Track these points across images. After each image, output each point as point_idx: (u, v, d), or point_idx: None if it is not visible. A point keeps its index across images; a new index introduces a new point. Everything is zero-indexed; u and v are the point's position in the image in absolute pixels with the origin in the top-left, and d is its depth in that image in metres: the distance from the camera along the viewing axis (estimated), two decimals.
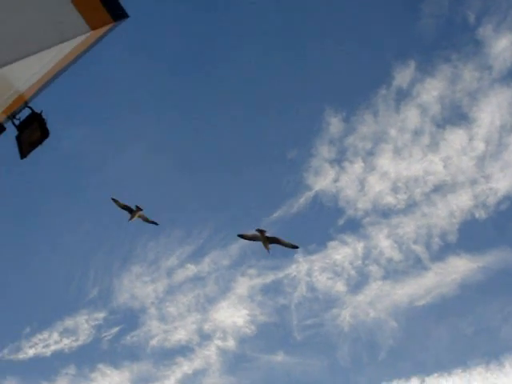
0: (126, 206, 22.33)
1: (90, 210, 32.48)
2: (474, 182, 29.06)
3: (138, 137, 32.92)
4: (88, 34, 6.34)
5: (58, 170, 32.25)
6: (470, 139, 28.77)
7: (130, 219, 22.35)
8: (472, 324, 29.61)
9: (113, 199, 22.39)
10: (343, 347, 29.76)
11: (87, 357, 31.04)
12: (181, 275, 31.01)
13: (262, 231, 20.35)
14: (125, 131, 33.14)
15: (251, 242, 20.69)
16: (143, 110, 32.81)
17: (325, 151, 30.34)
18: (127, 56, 31.18)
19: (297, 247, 20.37)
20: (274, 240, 20.19)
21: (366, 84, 31.02)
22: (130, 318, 31.30)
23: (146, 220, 22.56)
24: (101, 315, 30.85)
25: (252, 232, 20.65)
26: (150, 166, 33.17)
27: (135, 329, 30.91)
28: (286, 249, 20.77)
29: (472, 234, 29.62)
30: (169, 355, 30.73)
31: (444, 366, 28.58)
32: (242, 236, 20.59)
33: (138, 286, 31.18)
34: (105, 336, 30.65)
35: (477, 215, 28.93)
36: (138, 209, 22.30)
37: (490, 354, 28.46)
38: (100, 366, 30.47)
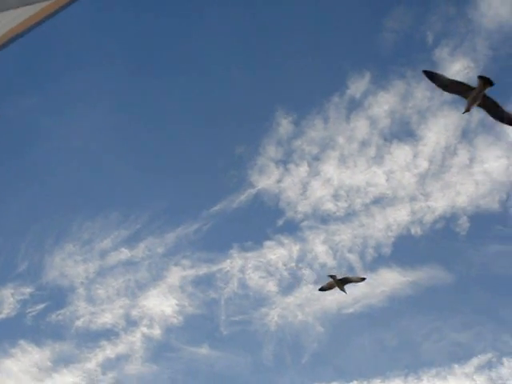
0: None
1: (30, 183, 31.98)
2: (413, 199, 29.67)
3: (87, 111, 32.52)
4: (52, 0, 6.21)
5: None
6: (415, 156, 29.34)
7: None
8: (395, 336, 30.22)
9: None
10: (268, 347, 29.97)
11: (9, 331, 30.42)
12: (114, 258, 30.72)
13: (333, 276, 21.38)
14: (74, 104, 32.65)
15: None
16: (94, 88, 32.40)
17: (272, 151, 30.51)
18: (82, 26, 30.75)
19: (364, 279, 21.31)
20: (345, 280, 21.16)
21: (320, 90, 31.29)
22: (58, 296, 30.81)
23: None
24: (28, 290, 30.27)
25: (327, 281, 21.67)
26: (96, 143, 32.79)
27: (62, 307, 30.44)
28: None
29: (406, 249, 30.21)
30: (93, 337, 30.37)
31: (364, 375, 29.05)
32: (322, 289, 21.44)
33: (69, 265, 30.71)
34: (29, 312, 30.08)
35: (412, 231, 29.54)
36: None
37: (409, 367, 29.06)
38: (21, 341, 29.87)
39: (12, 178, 31.97)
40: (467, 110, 14.40)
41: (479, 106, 14.24)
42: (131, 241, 30.94)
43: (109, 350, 29.90)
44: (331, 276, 21.45)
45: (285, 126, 30.30)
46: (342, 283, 21.35)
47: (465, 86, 14.23)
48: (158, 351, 30.46)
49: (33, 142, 32.38)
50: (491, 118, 14.47)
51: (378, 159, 29.89)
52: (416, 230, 29.47)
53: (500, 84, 29.53)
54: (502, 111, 14.42)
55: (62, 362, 29.85)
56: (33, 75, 31.59)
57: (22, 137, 32.12)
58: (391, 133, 29.55)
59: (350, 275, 21.48)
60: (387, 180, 29.77)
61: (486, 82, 14.10)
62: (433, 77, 14.23)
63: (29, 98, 31.22)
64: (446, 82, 14.27)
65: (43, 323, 30.22)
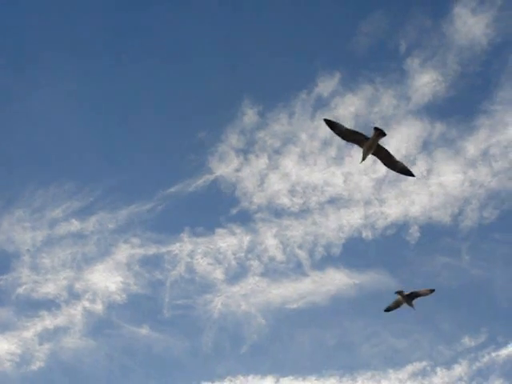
0: None
1: None
2: (368, 203, 29.96)
3: (54, 79, 32.17)
4: None
5: None
6: (374, 161, 29.46)
7: None
8: (335, 336, 30.48)
9: None
10: (209, 333, 30.01)
11: None
12: (63, 229, 30.41)
13: (401, 292, 19.91)
14: (41, 70, 32.27)
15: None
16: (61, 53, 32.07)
17: (234, 139, 30.51)
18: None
19: (434, 290, 20.12)
20: (413, 295, 19.79)
21: (289, 84, 31.35)
22: (2, 261, 30.45)
23: None
24: None
25: (394, 299, 20.19)
26: (59, 112, 32.46)
27: (4, 273, 30.09)
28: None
29: (355, 252, 30.48)
30: (33, 306, 30.06)
31: (300, 371, 29.25)
32: (388, 310, 20.25)
33: (16, 230, 30.32)
34: None
35: (364, 235, 29.82)
36: None
37: (345, 367, 29.34)
38: None
39: None
40: (363, 159, 15.24)
41: (373, 154, 15.19)
42: (83, 213, 30.71)
43: (48, 321, 29.66)
44: (398, 292, 19.86)
45: (250, 115, 30.34)
46: (410, 299, 20.00)
47: (361, 136, 14.97)
48: (98, 327, 30.31)
49: None
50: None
51: (338, 160, 30.11)
52: (367, 234, 29.78)
53: (466, 102, 30.10)
54: (394, 160, 15.41)
55: None
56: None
57: None
58: None
59: (417, 289, 19.89)
60: (344, 181, 30.03)
61: (379, 132, 14.86)
62: (333, 125, 14.93)
63: None
64: (344, 130, 14.94)
65: None
